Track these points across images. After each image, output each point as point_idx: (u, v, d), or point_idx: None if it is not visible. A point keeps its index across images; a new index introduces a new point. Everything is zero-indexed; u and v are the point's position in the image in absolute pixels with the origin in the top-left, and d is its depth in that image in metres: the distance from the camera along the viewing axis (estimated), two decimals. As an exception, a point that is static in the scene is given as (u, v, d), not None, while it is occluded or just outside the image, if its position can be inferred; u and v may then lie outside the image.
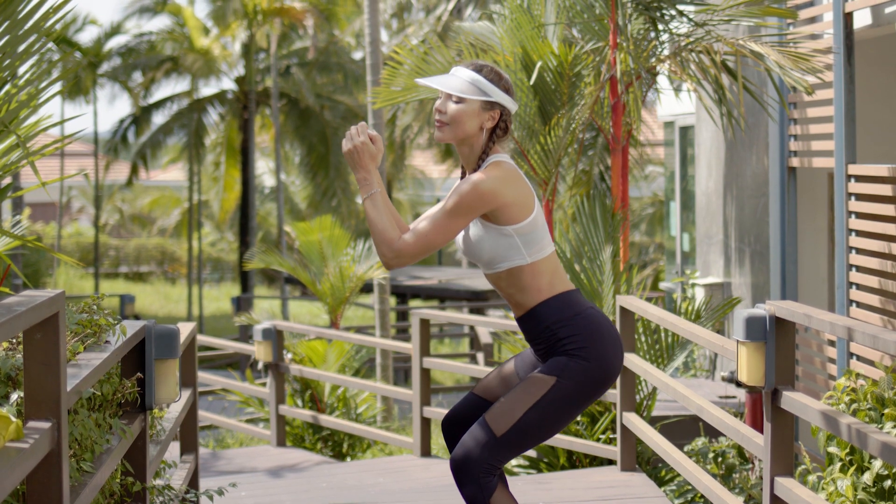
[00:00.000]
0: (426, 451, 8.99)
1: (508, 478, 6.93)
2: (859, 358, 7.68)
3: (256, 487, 8.36)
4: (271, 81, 30.88)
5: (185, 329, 6.55)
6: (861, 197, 7.68)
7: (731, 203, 12.01)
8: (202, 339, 11.76)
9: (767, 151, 10.48)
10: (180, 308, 36.15)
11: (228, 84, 33.50)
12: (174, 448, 8.20)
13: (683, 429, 9.44)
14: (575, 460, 8.40)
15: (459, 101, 4.31)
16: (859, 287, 7.72)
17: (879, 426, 5.12)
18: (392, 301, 27.75)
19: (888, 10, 7.87)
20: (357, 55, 34.36)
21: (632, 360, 7.18)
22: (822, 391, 8.35)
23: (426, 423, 8.99)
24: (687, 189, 14.66)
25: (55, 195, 39.59)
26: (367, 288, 22.00)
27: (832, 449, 5.35)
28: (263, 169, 41.44)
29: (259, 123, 35.14)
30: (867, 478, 5.11)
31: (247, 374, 12.20)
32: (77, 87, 32.03)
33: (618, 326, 7.31)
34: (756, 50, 8.28)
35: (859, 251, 7.71)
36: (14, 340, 4.09)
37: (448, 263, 39.63)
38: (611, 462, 7.96)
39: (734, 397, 10.30)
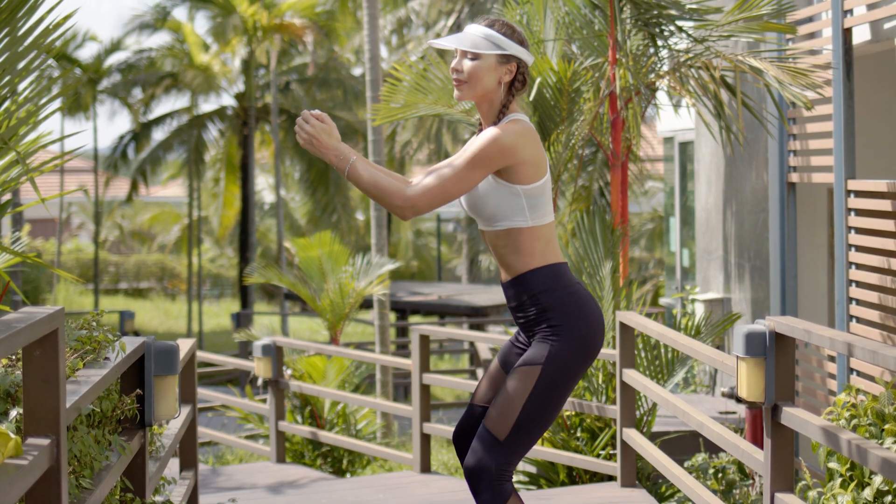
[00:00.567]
0: (426, 468, 8.97)
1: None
2: (859, 373, 7.67)
3: (256, 504, 8.36)
4: (271, 97, 30.91)
5: (184, 345, 6.55)
6: (861, 212, 7.68)
7: (731, 218, 12.02)
8: (202, 355, 11.75)
9: (767, 167, 10.48)
10: (180, 324, 36.12)
11: (228, 100, 33.65)
12: (174, 464, 8.20)
13: (684, 444, 9.42)
14: (575, 476, 8.39)
15: (475, 57, 4.31)
16: (859, 302, 7.72)
17: (880, 442, 5.11)
18: (392, 317, 27.73)
19: (887, 25, 7.88)
20: (357, 71, 34.41)
21: (632, 376, 7.17)
22: (823, 407, 8.34)
23: (426, 439, 8.98)
24: (687, 204, 14.66)
25: (55, 211, 39.59)
26: (366, 304, 21.99)
27: (832, 465, 5.34)
28: (263, 185, 41.47)
29: (259, 139, 35.17)
30: (868, 493, 5.10)
31: (246, 390, 12.18)
32: (77, 104, 32.05)
33: (617, 342, 7.31)
34: (755, 65, 8.29)
35: (859, 266, 7.71)
36: (13, 357, 4.09)
37: (448, 279, 39.62)
38: (611, 478, 7.95)
39: (734, 413, 10.28)
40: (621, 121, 8.95)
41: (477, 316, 25.68)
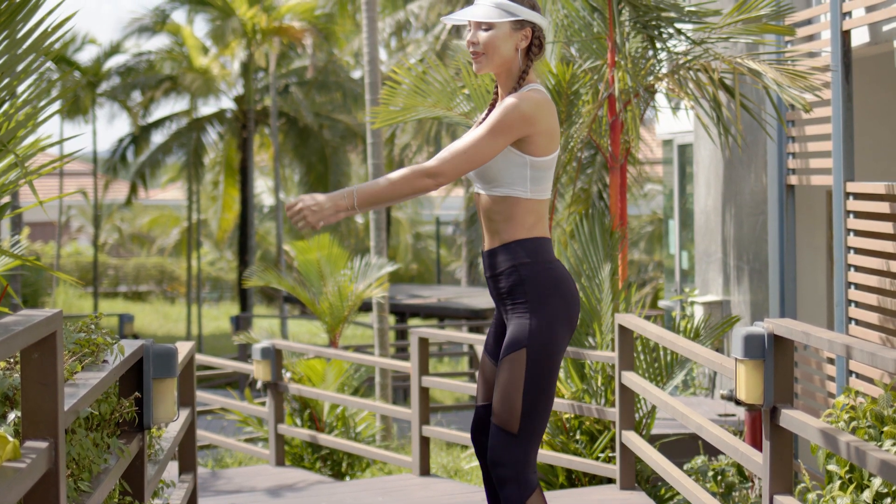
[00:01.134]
0: (425, 471, 8.96)
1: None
2: (859, 376, 7.67)
3: (255, 507, 8.35)
4: (270, 100, 30.91)
5: (183, 348, 6.54)
6: (859, 214, 7.68)
7: (730, 221, 12.02)
8: (201, 358, 11.74)
9: (766, 169, 10.48)
10: (179, 327, 36.11)
11: (227, 103, 33.61)
12: (173, 467, 8.20)
13: (683, 447, 9.42)
14: (574, 479, 8.38)
15: (489, 27, 4.34)
16: (858, 305, 7.72)
17: (879, 444, 5.10)
18: (391, 320, 27.72)
19: (886, 27, 7.88)
20: (356, 74, 34.40)
21: (631, 379, 7.17)
22: (822, 409, 8.34)
23: (425, 441, 8.98)
24: (686, 207, 14.66)
25: (54, 215, 39.59)
26: (365, 307, 21.97)
27: (832, 467, 5.34)
28: (262, 188, 41.45)
29: (258, 142, 35.17)
30: (867, 496, 5.10)
31: (246, 393, 12.17)
32: (76, 107, 32.04)
33: (616, 345, 7.31)
34: (754, 68, 8.29)
35: (858, 269, 7.71)
36: (11, 360, 4.09)
37: (447, 282, 39.61)
38: (610, 481, 7.94)
39: (734, 415, 10.28)
40: (620, 123, 8.95)
41: (476, 319, 25.66)
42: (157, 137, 33.41)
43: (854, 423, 5.26)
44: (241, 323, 24.88)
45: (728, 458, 7.66)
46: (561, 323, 4.30)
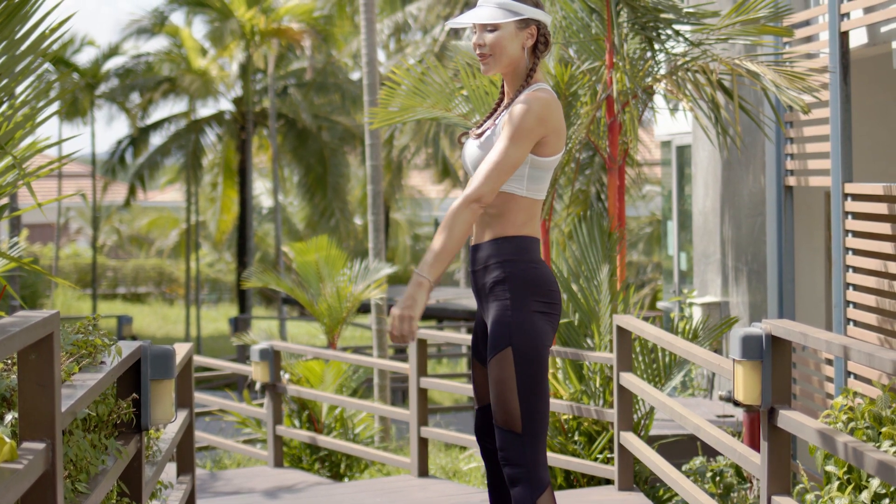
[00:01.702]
0: (423, 472, 8.96)
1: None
2: (857, 377, 7.67)
3: (253, 508, 8.35)
4: (269, 102, 30.90)
5: (181, 349, 6.54)
6: (858, 215, 7.68)
7: (729, 222, 12.02)
8: (199, 359, 11.74)
9: (764, 170, 10.49)
10: (178, 329, 36.11)
11: (226, 105, 33.51)
12: (171, 469, 8.19)
13: (681, 448, 9.42)
14: (572, 480, 8.38)
15: (494, 29, 4.35)
16: (856, 306, 7.72)
17: (877, 445, 5.11)
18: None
19: (884, 29, 7.89)
20: (355, 75, 34.39)
21: (629, 380, 7.17)
22: (821, 410, 8.34)
23: (423, 443, 8.97)
24: (684, 208, 14.66)
25: (53, 216, 39.58)
26: (364, 308, 21.99)
27: (830, 468, 5.34)
28: (261, 189, 41.44)
29: (257, 144, 35.15)
30: (865, 496, 5.10)
31: (244, 394, 12.17)
32: (75, 109, 32.02)
33: (615, 346, 7.31)
34: (752, 69, 8.29)
35: (856, 270, 7.71)
36: (9, 361, 4.09)
37: (446, 283, 39.61)
38: (608, 481, 7.94)
39: (732, 416, 10.29)
40: (618, 124, 8.95)
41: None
42: (156, 139, 33.41)
43: (852, 424, 5.26)
44: (240, 324, 24.87)
45: (726, 459, 7.66)
46: (543, 320, 4.30)
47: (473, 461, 11.00)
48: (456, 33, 28.59)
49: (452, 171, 31.08)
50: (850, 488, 5.19)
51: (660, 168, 18.08)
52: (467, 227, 4.21)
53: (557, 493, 7.65)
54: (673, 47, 9.22)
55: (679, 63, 8.89)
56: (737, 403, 5.13)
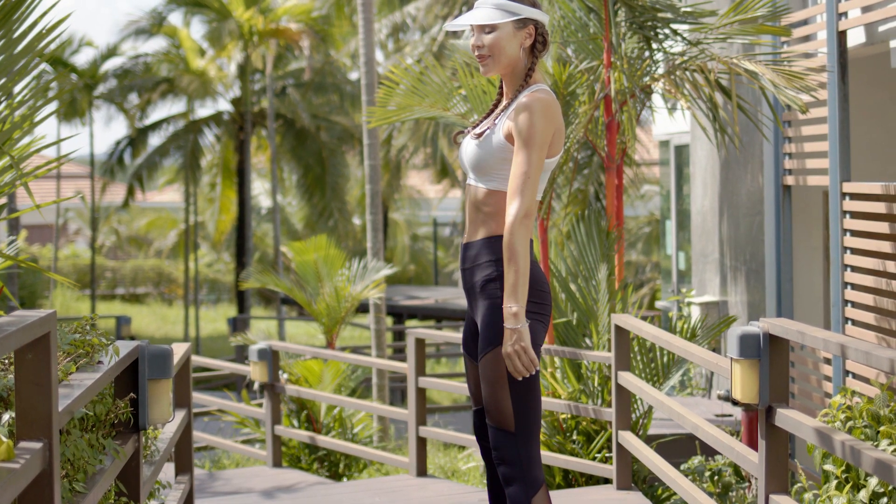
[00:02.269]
0: (422, 471, 8.96)
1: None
2: (855, 376, 7.67)
3: (252, 508, 8.35)
4: (267, 102, 30.90)
5: (179, 349, 6.54)
6: (856, 215, 7.68)
7: (727, 221, 12.02)
8: (198, 359, 11.74)
9: (762, 170, 10.49)
10: (177, 329, 36.11)
11: (224, 105, 33.49)
12: (169, 469, 8.19)
13: (680, 447, 9.42)
14: (571, 479, 8.38)
15: (492, 30, 4.36)
16: (854, 305, 7.72)
17: (875, 443, 5.10)
18: (388, 321, 27.71)
19: (882, 28, 7.89)
20: (353, 75, 34.39)
21: (627, 379, 7.17)
22: (819, 409, 8.34)
23: (422, 442, 8.97)
24: (683, 208, 14.66)
25: (51, 217, 39.56)
26: (363, 308, 21.99)
27: (828, 467, 5.34)
28: (260, 190, 41.45)
29: (255, 144, 35.16)
30: (863, 495, 5.10)
31: (243, 394, 12.17)
32: (73, 109, 32.01)
33: (613, 345, 7.31)
34: (750, 68, 8.30)
35: (854, 269, 7.71)
36: (6, 360, 4.08)
37: (444, 283, 39.61)
38: (607, 481, 7.94)
39: (731, 415, 10.28)
40: (616, 124, 8.95)
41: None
42: (154, 140, 33.41)
43: (850, 423, 5.26)
44: (239, 324, 24.88)
45: (725, 458, 7.66)
46: (534, 319, 4.31)
47: (472, 461, 11.00)
48: (454, 33, 28.58)
49: (451, 170, 31.08)
50: (848, 487, 5.19)
51: (658, 167, 18.09)
52: (528, 243, 4.20)
53: (556, 493, 7.64)
54: (671, 46, 9.22)
55: (677, 62, 8.89)
56: (735, 402, 5.13)
